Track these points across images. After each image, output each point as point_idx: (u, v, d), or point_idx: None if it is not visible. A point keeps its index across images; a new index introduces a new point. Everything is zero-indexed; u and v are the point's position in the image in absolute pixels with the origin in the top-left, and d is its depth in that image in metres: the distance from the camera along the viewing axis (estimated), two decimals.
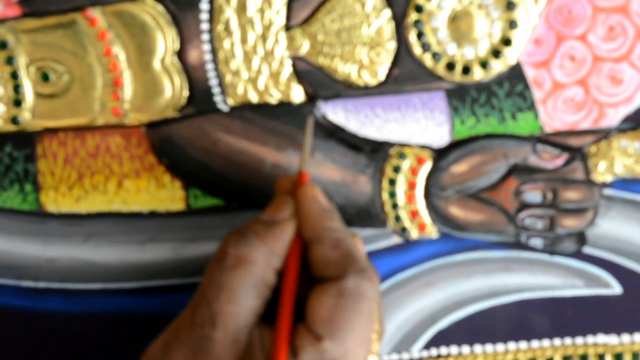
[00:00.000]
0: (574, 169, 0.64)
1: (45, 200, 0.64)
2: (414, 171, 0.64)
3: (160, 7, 0.62)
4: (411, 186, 0.64)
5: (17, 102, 0.63)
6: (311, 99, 0.63)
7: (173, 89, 0.63)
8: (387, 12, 0.63)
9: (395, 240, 0.65)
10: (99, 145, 0.64)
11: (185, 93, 0.63)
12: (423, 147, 0.64)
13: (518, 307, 0.65)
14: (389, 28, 0.63)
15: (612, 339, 0.65)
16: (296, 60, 0.63)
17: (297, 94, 0.63)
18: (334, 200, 0.63)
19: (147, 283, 0.65)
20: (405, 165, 0.64)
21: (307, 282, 0.55)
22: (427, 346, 0.65)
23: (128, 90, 0.63)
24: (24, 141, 0.64)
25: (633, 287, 0.65)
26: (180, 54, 0.63)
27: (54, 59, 0.63)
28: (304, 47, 0.63)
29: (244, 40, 0.63)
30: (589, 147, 0.64)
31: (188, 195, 0.64)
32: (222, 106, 0.63)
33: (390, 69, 0.63)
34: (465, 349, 0.65)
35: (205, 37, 0.63)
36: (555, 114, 0.64)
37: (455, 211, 0.64)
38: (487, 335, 0.65)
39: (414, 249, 0.65)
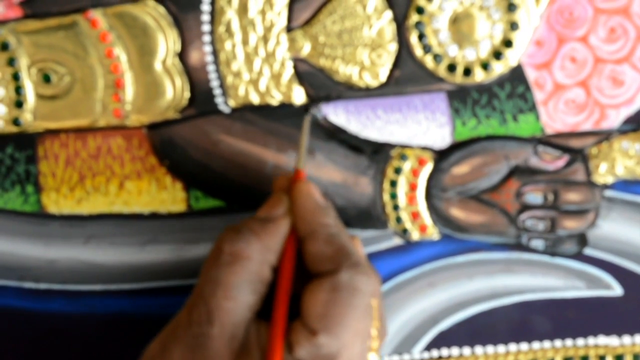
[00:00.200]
0: (575, 170, 0.64)
1: (47, 202, 0.64)
2: (415, 172, 0.64)
3: (161, 9, 0.62)
4: (412, 187, 0.64)
5: (19, 104, 0.63)
6: (312, 100, 0.63)
7: (174, 91, 0.63)
8: (389, 14, 0.63)
9: (397, 241, 0.64)
10: (100, 146, 0.64)
11: (187, 94, 0.63)
12: (424, 148, 0.64)
13: (519, 308, 0.65)
14: (390, 29, 0.63)
15: (613, 341, 0.65)
16: (297, 61, 0.63)
17: (299, 96, 0.63)
18: (335, 202, 0.63)
19: (148, 284, 0.65)
20: (407, 166, 0.64)
21: (303, 278, 0.55)
22: (429, 347, 0.65)
23: (129, 91, 0.63)
24: (26, 142, 0.64)
25: (634, 288, 0.65)
26: (182, 56, 0.63)
27: (55, 61, 0.63)
28: (305, 49, 0.63)
29: (245, 42, 0.63)
30: (590, 148, 0.64)
31: (189, 196, 0.64)
32: (223, 107, 0.63)
33: (392, 71, 0.63)
34: (467, 350, 0.65)
35: (207, 38, 0.63)
36: (556, 116, 0.64)
37: (457, 212, 0.64)
38: (488, 337, 0.65)
39: (415, 251, 0.65)
